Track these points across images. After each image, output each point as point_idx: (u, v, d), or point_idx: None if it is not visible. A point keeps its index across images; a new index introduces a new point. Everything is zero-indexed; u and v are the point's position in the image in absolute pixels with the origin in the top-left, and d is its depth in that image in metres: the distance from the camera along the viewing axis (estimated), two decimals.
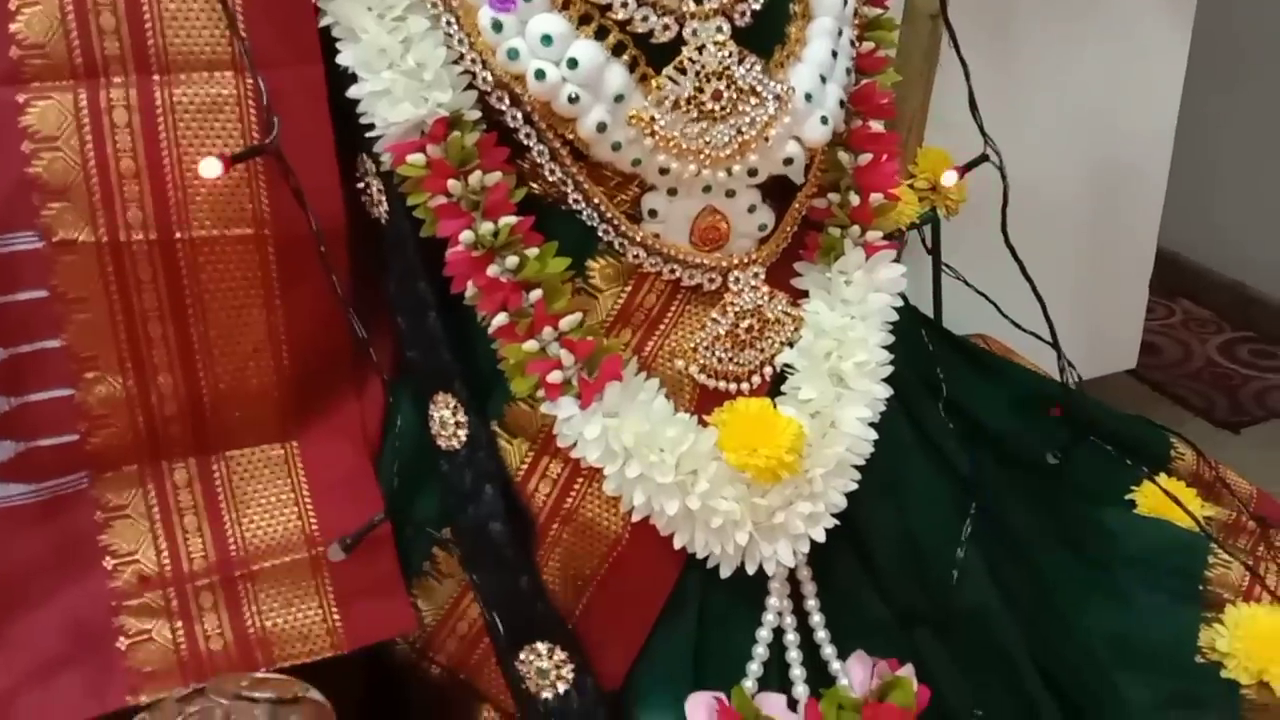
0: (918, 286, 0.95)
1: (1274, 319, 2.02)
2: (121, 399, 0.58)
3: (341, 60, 0.56)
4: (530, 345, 0.57)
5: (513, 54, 0.53)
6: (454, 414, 0.60)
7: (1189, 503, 0.80)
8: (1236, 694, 0.69)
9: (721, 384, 0.62)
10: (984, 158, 0.74)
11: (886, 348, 0.63)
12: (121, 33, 0.54)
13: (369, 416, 0.64)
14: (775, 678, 0.62)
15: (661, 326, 0.61)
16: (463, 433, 0.60)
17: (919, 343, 0.74)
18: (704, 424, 0.60)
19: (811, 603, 0.63)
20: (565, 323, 0.57)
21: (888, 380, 0.63)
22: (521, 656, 0.59)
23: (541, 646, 0.60)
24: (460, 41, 0.55)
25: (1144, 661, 0.71)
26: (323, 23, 0.56)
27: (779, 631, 0.63)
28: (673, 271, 0.59)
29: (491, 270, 0.56)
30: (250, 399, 0.61)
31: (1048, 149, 1.16)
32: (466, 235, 0.56)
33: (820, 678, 0.62)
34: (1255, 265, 1.99)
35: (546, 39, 0.52)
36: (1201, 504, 0.83)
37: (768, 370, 0.62)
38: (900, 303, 0.64)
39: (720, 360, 0.61)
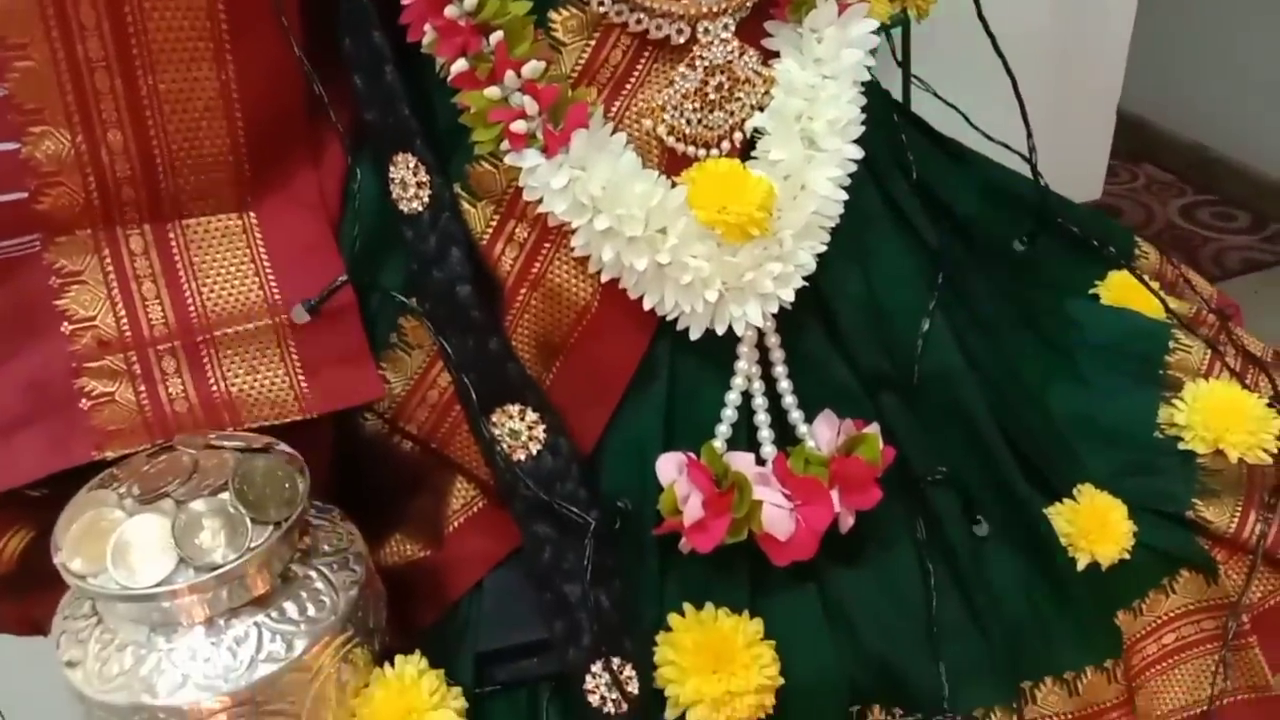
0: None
1: (1234, 180, 2.04)
2: (70, 156, 0.56)
3: None
4: (492, 91, 0.55)
5: None
6: (415, 174, 0.59)
7: (1143, 297, 0.81)
8: (1193, 461, 0.71)
9: (690, 149, 0.60)
10: None
11: (862, 110, 0.62)
12: None
13: (328, 184, 0.62)
14: (743, 440, 0.63)
15: (628, 84, 0.59)
16: (425, 194, 0.59)
17: (891, 123, 0.73)
18: (673, 182, 0.59)
19: (780, 369, 0.63)
20: (528, 69, 0.55)
21: (859, 143, 0.62)
22: (493, 419, 0.59)
23: (513, 408, 0.59)
24: None
25: (1103, 436, 0.73)
26: None
27: (747, 396, 0.63)
28: (639, 22, 0.57)
29: (449, 11, 0.54)
30: (204, 164, 0.59)
31: None
32: None
33: (787, 440, 0.63)
34: (1216, 127, 1.99)
35: None
36: (1166, 298, 0.84)
37: (738, 136, 0.61)
38: (873, 61, 0.62)
39: (689, 122, 0.59)
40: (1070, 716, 0.63)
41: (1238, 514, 0.68)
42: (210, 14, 0.55)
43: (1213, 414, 0.72)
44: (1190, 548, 0.68)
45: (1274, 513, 0.68)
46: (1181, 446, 0.72)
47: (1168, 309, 0.78)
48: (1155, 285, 0.83)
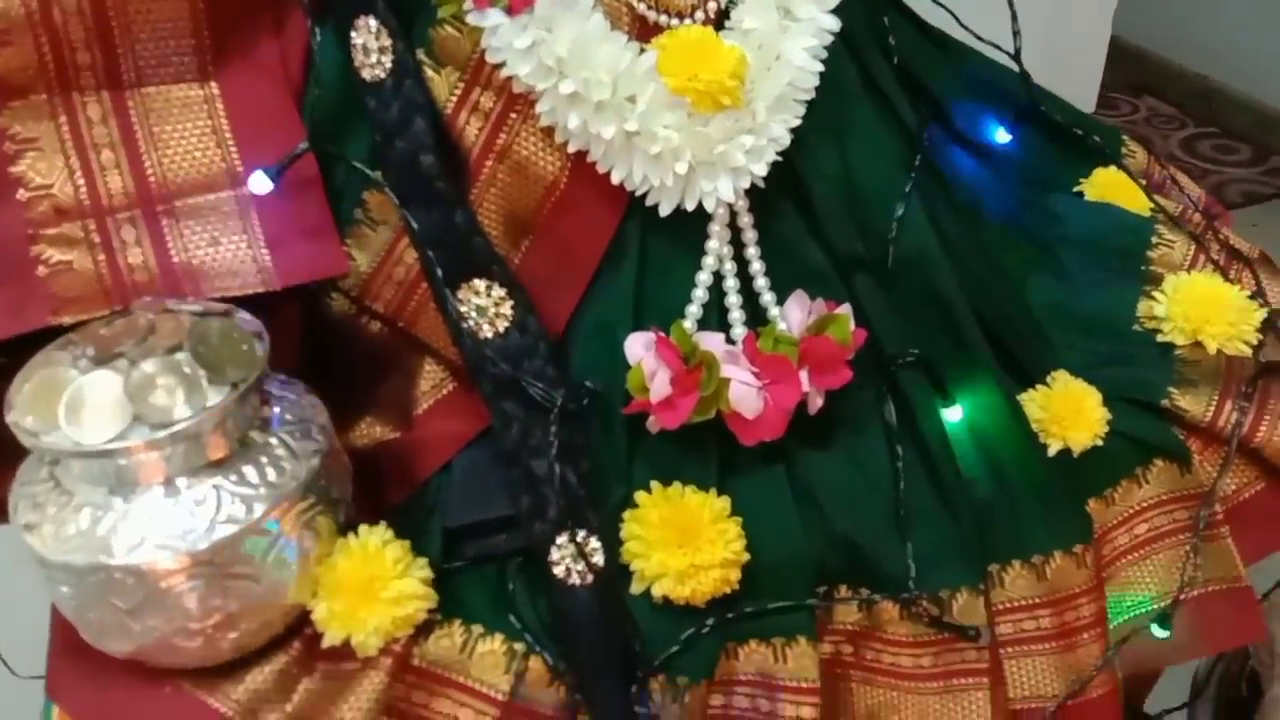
0: None
1: (1236, 112, 2.01)
2: (20, 13, 0.54)
3: None
4: None
5: None
6: (377, 39, 0.57)
7: (1129, 193, 0.80)
8: (1171, 352, 0.70)
9: (662, 18, 0.59)
10: None
11: None
12: None
13: (290, 53, 0.60)
14: (714, 321, 0.62)
15: None
16: (387, 59, 0.57)
17: (873, 3, 0.71)
18: (643, 49, 0.57)
19: (751, 250, 0.62)
20: None
21: (836, 14, 0.60)
22: (460, 295, 0.59)
23: (480, 284, 0.59)
24: None
25: (1081, 328, 0.72)
26: None
27: (718, 276, 0.62)
28: None
29: None
30: (163, 30, 0.57)
31: None
32: None
33: (759, 321, 0.62)
34: (1218, 58, 1.96)
35: None
36: (1148, 198, 0.83)
37: (711, 6, 0.59)
38: None
39: None
40: (1038, 600, 0.63)
41: (1214, 404, 0.68)
42: None
43: (1192, 305, 0.71)
44: (1164, 436, 0.67)
45: (1250, 402, 0.68)
46: (1160, 338, 0.71)
47: (1153, 201, 0.77)
48: (1142, 183, 0.82)
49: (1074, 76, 1.36)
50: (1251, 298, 0.73)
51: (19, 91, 0.56)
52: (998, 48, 0.83)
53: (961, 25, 0.87)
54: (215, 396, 0.49)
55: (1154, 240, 0.76)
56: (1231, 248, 0.79)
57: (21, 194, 0.56)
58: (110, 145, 0.58)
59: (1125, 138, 0.87)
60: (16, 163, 0.56)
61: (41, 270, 0.55)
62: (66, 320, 0.54)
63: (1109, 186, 0.81)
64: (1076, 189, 0.81)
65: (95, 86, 0.57)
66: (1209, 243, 0.78)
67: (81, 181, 0.57)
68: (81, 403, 0.48)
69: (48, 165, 0.56)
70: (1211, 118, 2.15)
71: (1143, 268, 0.75)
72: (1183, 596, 0.67)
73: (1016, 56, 0.79)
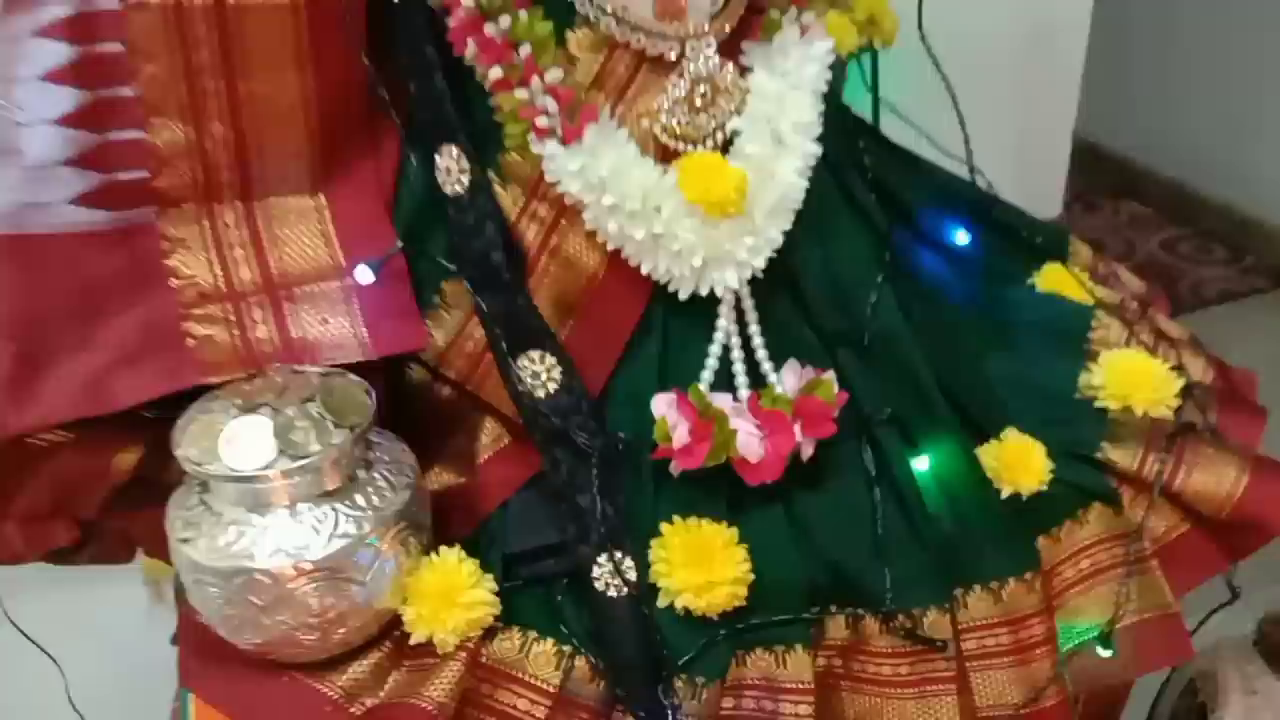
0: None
1: (1211, 215, 2.15)
2: (182, 144, 0.69)
3: None
4: (521, 93, 0.69)
5: None
6: (457, 163, 0.72)
7: (1075, 286, 0.95)
8: (1104, 415, 0.84)
9: (681, 145, 0.74)
10: None
11: (820, 115, 0.76)
12: None
13: (384, 171, 0.76)
14: (724, 386, 0.76)
15: (630, 91, 0.73)
16: (465, 178, 0.72)
17: (850, 129, 0.87)
18: (666, 170, 0.73)
19: (753, 327, 0.77)
20: (550, 75, 0.69)
21: (819, 142, 0.76)
22: (519, 363, 0.73)
23: (535, 354, 0.73)
24: None
25: (1030, 395, 0.86)
26: None
27: (727, 349, 0.76)
28: (639, 41, 0.71)
29: (488, 29, 0.68)
30: (286, 153, 0.73)
31: (978, 11, 1.29)
32: (468, 1, 0.68)
33: (759, 385, 0.76)
34: (1194, 165, 2.11)
35: None
36: (1094, 289, 0.98)
37: (719, 135, 0.75)
38: (829, 75, 0.77)
39: (679, 123, 0.73)
40: (996, 620, 0.76)
41: (1139, 457, 0.82)
42: (295, 31, 0.69)
43: (1123, 377, 0.85)
44: (1099, 484, 0.81)
45: (1170, 455, 0.81)
46: (1096, 404, 0.85)
47: (1088, 290, 0.91)
48: (1085, 276, 0.97)
49: (1042, 183, 1.52)
50: (1173, 369, 0.87)
51: (174, 202, 0.71)
52: (963, 162, 1.00)
53: (931, 142, 1.04)
54: (339, 436, 0.63)
55: (1093, 324, 0.91)
56: (1159, 330, 0.93)
57: (173, 282, 0.71)
58: (242, 244, 0.73)
59: (1072, 237, 1.03)
60: (169, 257, 0.71)
61: (190, 342, 0.70)
62: (212, 380, 0.68)
63: (1056, 280, 0.96)
64: (1029, 282, 0.96)
65: (231, 198, 0.73)
66: (1140, 326, 0.92)
67: (219, 272, 0.72)
68: (234, 441, 0.61)
69: (194, 260, 0.71)
70: (1189, 220, 2.26)
71: (1083, 346, 0.89)
72: (1121, 622, 0.79)
73: (972, 171, 0.95)
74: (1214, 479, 0.80)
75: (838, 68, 0.95)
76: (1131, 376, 0.85)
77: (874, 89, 1.14)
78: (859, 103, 1.06)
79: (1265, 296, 1.99)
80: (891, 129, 1.06)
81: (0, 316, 0.67)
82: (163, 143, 0.69)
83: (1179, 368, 0.88)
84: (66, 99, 0.66)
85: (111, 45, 0.66)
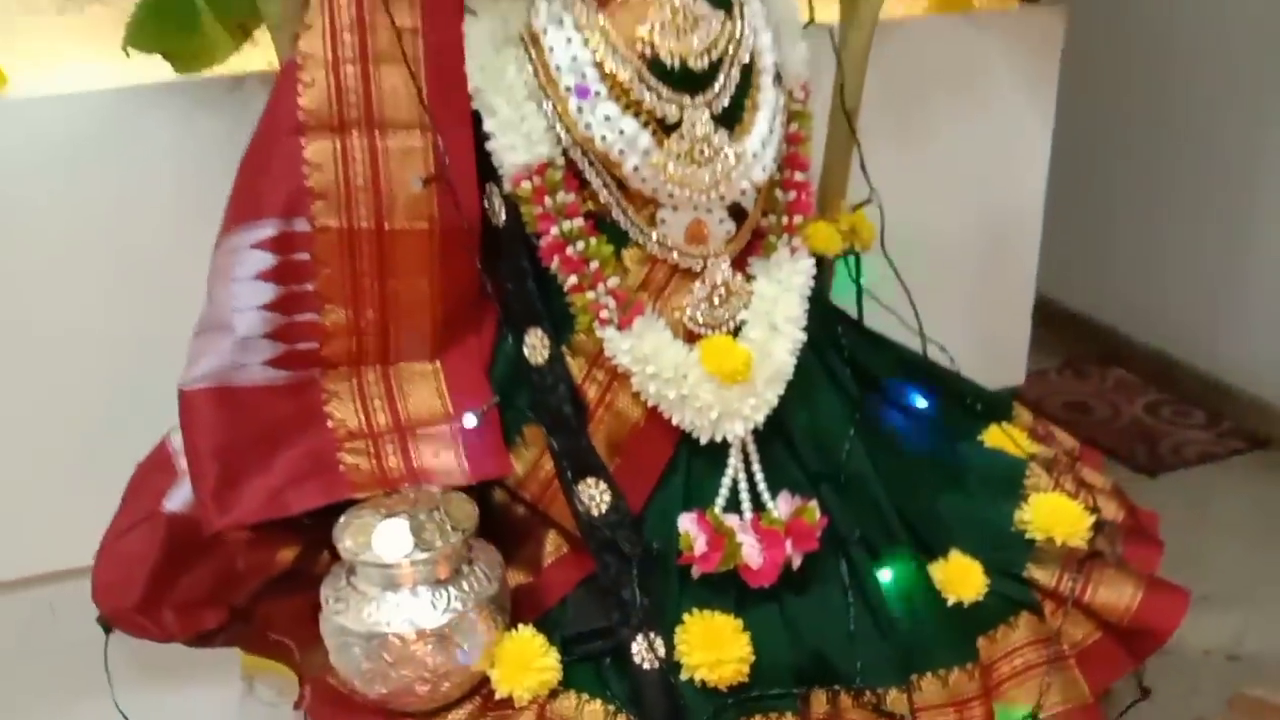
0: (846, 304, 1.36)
1: (1193, 382, 2.31)
2: (344, 324, 0.96)
3: (486, 127, 0.96)
4: (590, 295, 0.96)
5: (587, 125, 0.94)
6: (541, 341, 0.99)
7: (1016, 442, 1.20)
8: (1033, 543, 1.07)
9: (704, 330, 1.01)
10: (868, 200, 1.16)
11: (805, 311, 1.03)
12: (360, 106, 0.94)
13: (485, 344, 1.02)
14: (732, 508, 1.00)
15: (666, 291, 1.00)
16: (546, 352, 0.99)
17: (832, 322, 1.14)
18: (692, 350, 0.99)
19: (756, 466, 1.02)
20: (610, 281, 0.97)
21: (805, 330, 1.02)
22: (579, 487, 0.97)
23: (591, 481, 0.97)
24: (555, 118, 0.95)
25: (974, 526, 1.09)
26: (474, 104, 0.97)
27: (735, 481, 1.01)
28: (674, 257, 0.99)
29: (568, 250, 0.96)
30: (416, 334, 0.99)
31: (941, 201, 1.58)
32: (554, 230, 0.96)
33: (760, 508, 1.00)
34: (1176, 335, 2.30)
35: (607, 118, 0.93)
36: (1032, 444, 1.22)
37: (731, 324, 1.01)
38: (812, 282, 1.04)
39: (702, 315, 1.00)
40: (944, 702, 0.97)
41: (1056, 575, 1.04)
42: (430, 246, 0.97)
43: (1047, 514, 1.08)
44: (1025, 596, 1.04)
45: (1081, 574, 1.04)
46: (1026, 535, 1.08)
47: (1025, 450, 1.16)
48: (1024, 435, 1.22)
49: (1007, 355, 1.78)
50: (1088, 510, 1.10)
51: (333, 365, 0.98)
52: (933, 342, 1.26)
53: (903, 323, 1.31)
54: (455, 537, 0.87)
55: (1027, 473, 1.15)
56: (1081, 479, 1.17)
57: (330, 423, 0.96)
58: (379, 397, 0.98)
59: (1015, 402, 1.28)
60: (328, 405, 0.97)
61: (342, 467, 0.94)
62: (358, 495, 0.93)
63: (1000, 437, 1.21)
64: (979, 438, 1.21)
65: (374, 363, 0.99)
66: (1065, 476, 1.16)
67: (363, 417, 0.97)
68: (378, 537, 0.86)
69: (345, 407, 0.97)
70: (1170, 386, 2.40)
71: (1018, 490, 1.13)
72: (1046, 712, 1.00)
73: (923, 345, 1.21)
74: (1115, 594, 1.03)
75: (825, 268, 1.24)
76: (1054, 515, 1.08)
77: (857, 280, 1.42)
78: (848, 292, 1.34)
79: (1242, 458, 2.05)
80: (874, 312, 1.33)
81: (210, 445, 0.92)
82: (330, 323, 0.96)
83: (1093, 508, 1.11)
84: (268, 292, 0.94)
85: (302, 255, 0.94)
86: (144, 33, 1.11)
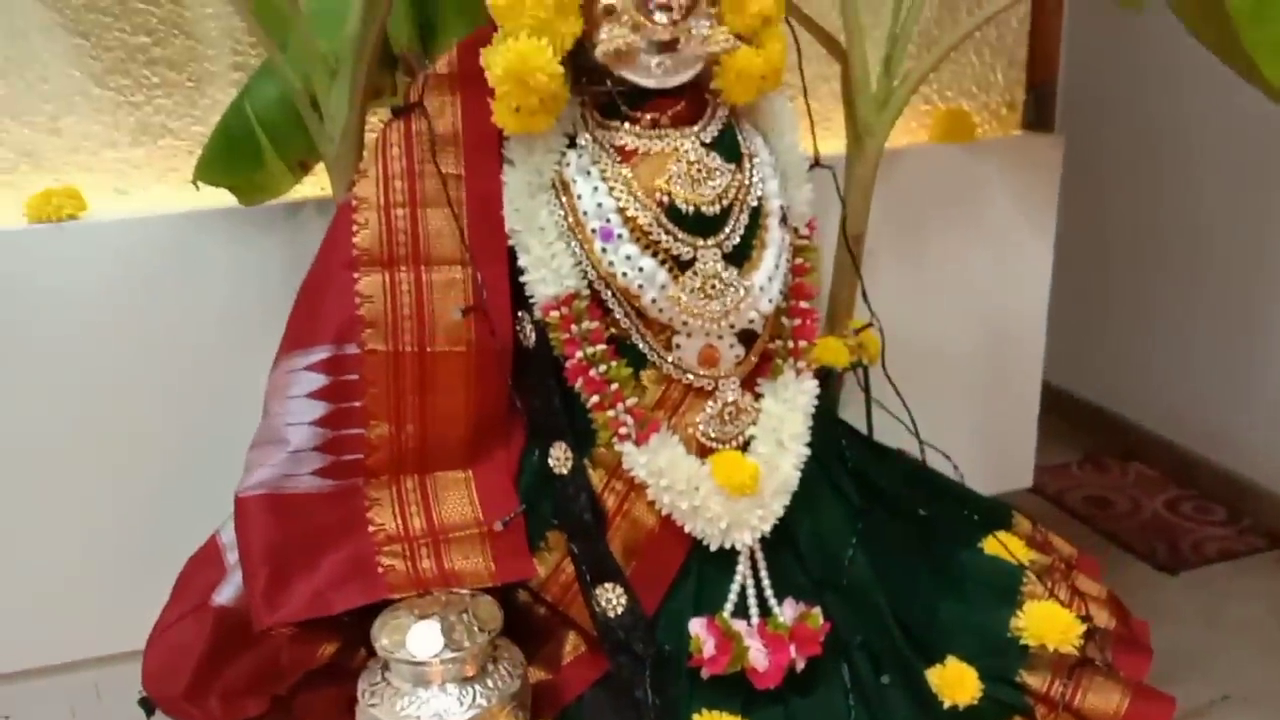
0: (858, 411, 1.45)
1: (1213, 478, 2.32)
2: (386, 437, 1.06)
3: (520, 262, 1.07)
4: (610, 413, 1.05)
5: (610, 263, 1.04)
6: (564, 454, 1.08)
7: (1014, 550, 1.26)
8: (1026, 649, 1.13)
9: (715, 445, 1.09)
10: (870, 324, 1.25)
11: (809, 428, 1.11)
12: (408, 244, 1.05)
13: (513, 455, 1.11)
14: (741, 612, 1.07)
15: (681, 409, 1.09)
16: (569, 464, 1.08)
17: (835, 433, 1.22)
18: (704, 463, 1.07)
19: (763, 572, 1.09)
20: (629, 401, 1.06)
21: (809, 445, 1.10)
22: (597, 591, 1.05)
23: (609, 585, 1.05)
24: (582, 255, 1.05)
25: (971, 632, 1.15)
26: (510, 242, 1.07)
27: (743, 588, 1.08)
28: (688, 379, 1.08)
29: (591, 372, 1.05)
30: (451, 445, 1.09)
31: (948, 319, 1.67)
32: (579, 354, 1.05)
33: (766, 613, 1.08)
34: (1197, 432, 2.32)
35: (628, 257, 1.03)
36: (1029, 552, 1.29)
37: (740, 439, 1.10)
38: (815, 402, 1.12)
39: (713, 430, 1.09)
40: None
41: (1048, 680, 1.10)
42: (467, 367, 1.07)
43: (1040, 622, 1.14)
44: (1017, 700, 1.09)
45: (1071, 679, 1.10)
46: (1020, 641, 1.14)
47: (1016, 559, 1.23)
48: (1022, 543, 1.28)
49: (1013, 460, 1.85)
50: (1080, 618, 1.16)
51: (375, 474, 1.07)
52: (937, 451, 1.34)
53: (909, 430, 1.39)
54: (482, 638, 0.95)
55: (1023, 581, 1.21)
56: (1075, 587, 1.23)
57: (371, 528, 1.05)
58: (416, 503, 1.07)
59: (1014, 511, 1.35)
60: (369, 511, 1.06)
61: (380, 569, 1.03)
62: (394, 596, 1.01)
63: (999, 545, 1.27)
64: (978, 545, 1.27)
65: (412, 472, 1.08)
66: (1059, 585, 1.23)
67: (400, 522, 1.06)
68: (412, 636, 0.94)
69: (385, 513, 1.06)
70: (1191, 483, 2.39)
71: (1014, 598, 1.19)
72: None
73: (923, 451, 1.29)
74: (1103, 700, 1.09)
75: (834, 381, 1.32)
76: (1047, 622, 1.14)
77: (866, 390, 1.50)
78: (858, 403, 1.43)
79: (1263, 556, 2.03)
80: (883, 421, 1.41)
81: (262, 548, 1.01)
82: (374, 436, 1.05)
83: (1086, 617, 1.17)
84: (319, 409, 1.04)
85: (351, 375, 1.04)
86: (213, 169, 1.24)
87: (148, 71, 1.37)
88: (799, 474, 1.09)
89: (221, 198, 1.32)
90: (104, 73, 1.36)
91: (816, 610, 1.06)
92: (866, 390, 1.48)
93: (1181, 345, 2.24)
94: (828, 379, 1.43)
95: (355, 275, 1.04)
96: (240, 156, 1.24)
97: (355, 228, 1.04)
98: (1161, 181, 2.22)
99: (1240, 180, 2.04)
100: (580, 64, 1.03)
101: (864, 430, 1.44)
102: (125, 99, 1.37)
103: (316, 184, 1.37)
